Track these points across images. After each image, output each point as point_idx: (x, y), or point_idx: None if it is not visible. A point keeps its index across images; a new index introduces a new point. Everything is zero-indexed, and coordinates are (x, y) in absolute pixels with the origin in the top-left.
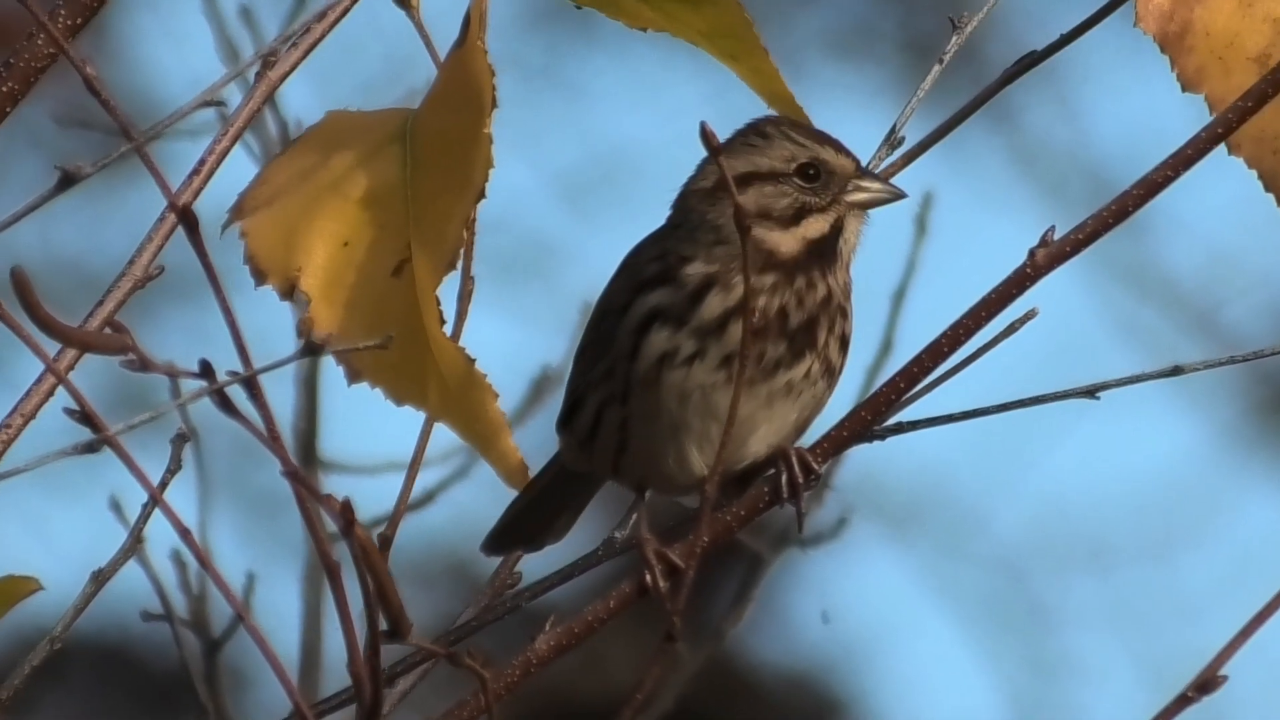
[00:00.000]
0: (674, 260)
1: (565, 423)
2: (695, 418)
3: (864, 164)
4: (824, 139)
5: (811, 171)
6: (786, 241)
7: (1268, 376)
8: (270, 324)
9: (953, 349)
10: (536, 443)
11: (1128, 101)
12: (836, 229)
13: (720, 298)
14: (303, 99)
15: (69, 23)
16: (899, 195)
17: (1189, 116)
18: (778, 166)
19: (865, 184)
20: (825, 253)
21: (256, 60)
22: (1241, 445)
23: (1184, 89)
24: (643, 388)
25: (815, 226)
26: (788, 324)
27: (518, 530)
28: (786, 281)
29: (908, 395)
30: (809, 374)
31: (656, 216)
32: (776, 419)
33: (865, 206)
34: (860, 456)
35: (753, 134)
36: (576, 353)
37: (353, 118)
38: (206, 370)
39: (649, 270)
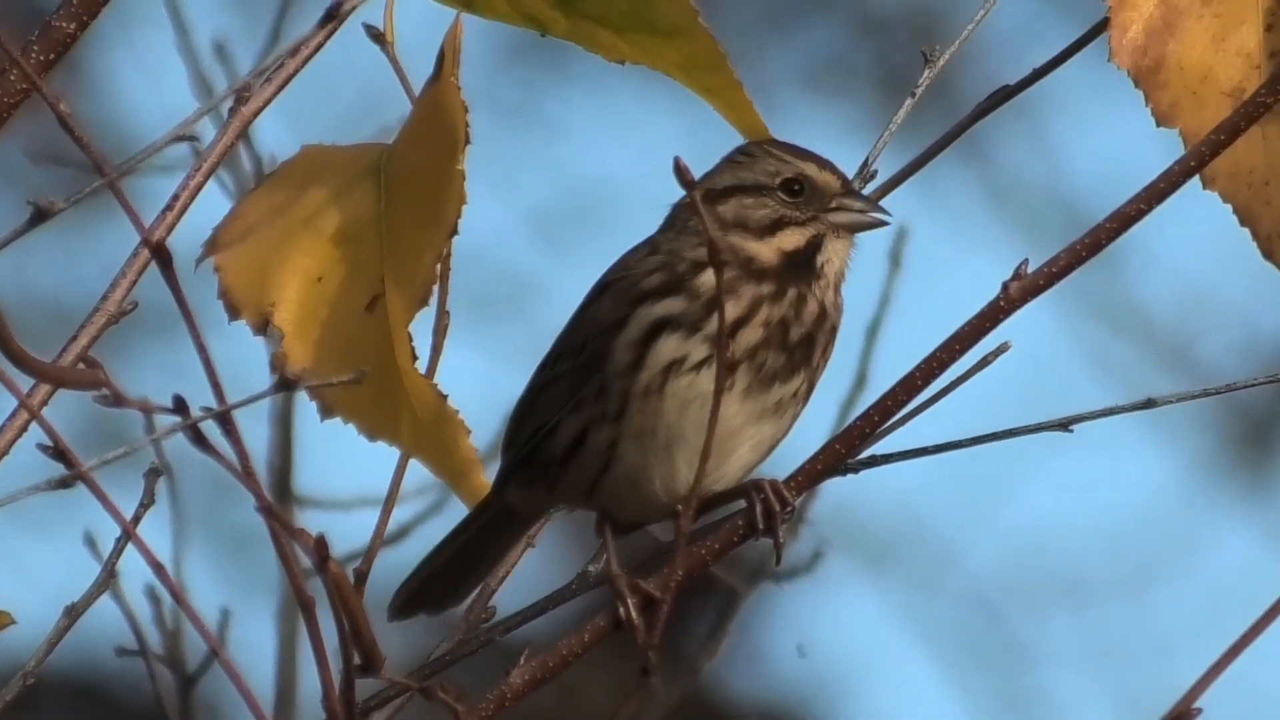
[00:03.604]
0: (684, 270)
1: (523, 459)
2: (691, 430)
3: (851, 184)
4: (808, 156)
5: (796, 187)
6: (763, 251)
7: (1241, 409)
8: (244, 359)
9: (926, 382)
10: None
11: (1101, 136)
12: (814, 244)
13: (731, 307)
14: (276, 134)
15: (42, 58)
16: (879, 221)
17: (1163, 151)
18: (761, 180)
19: (848, 203)
20: (802, 266)
21: (230, 95)
22: (1215, 478)
23: (1158, 124)
24: (643, 398)
25: (791, 239)
26: (788, 336)
27: (429, 590)
28: (781, 293)
29: (882, 428)
30: (797, 393)
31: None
32: (759, 437)
33: (846, 228)
34: (835, 490)
35: (739, 153)
36: (538, 388)
37: (327, 153)
38: (180, 406)
39: (650, 282)
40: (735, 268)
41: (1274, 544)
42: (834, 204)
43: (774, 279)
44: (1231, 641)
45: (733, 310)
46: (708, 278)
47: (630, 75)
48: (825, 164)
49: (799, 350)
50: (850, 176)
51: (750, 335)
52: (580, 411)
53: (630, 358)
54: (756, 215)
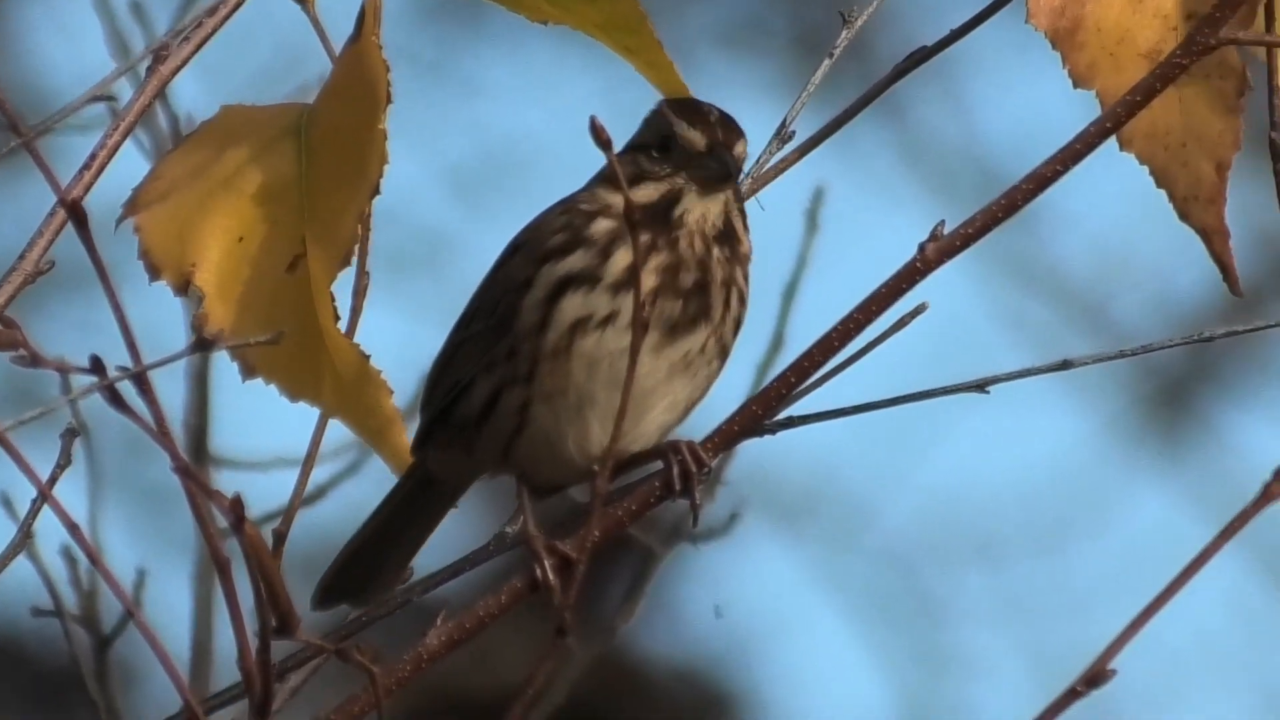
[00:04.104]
0: (580, 223)
1: (441, 415)
2: (602, 389)
3: (733, 147)
4: (687, 115)
5: (666, 145)
6: (617, 201)
7: (1156, 370)
8: (162, 319)
9: (843, 343)
10: None
11: (1018, 97)
12: (669, 199)
13: (626, 252)
14: (195, 94)
15: None
16: (720, 181)
17: (1080, 112)
18: (646, 139)
19: (701, 163)
20: (657, 218)
21: (148, 54)
22: (1130, 439)
23: (1075, 85)
24: (552, 359)
25: (644, 193)
26: (678, 282)
27: (353, 572)
28: (668, 245)
29: (798, 389)
30: (705, 348)
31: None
32: (673, 394)
33: (696, 185)
34: (751, 451)
35: (650, 112)
36: (453, 348)
37: (247, 112)
38: (97, 366)
39: (555, 241)
40: (615, 219)
41: (1188, 504)
42: (694, 162)
43: (649, 230)
44: (1146, 602)
45: (625, 257)
46: (600, 224)
47: (550, 34)
48: (699, 123)
49: (693, 298)
50: (769, 137)
51: (647, 281)
52: (493, 372)
53: (537, 317)
54: (627, 172)
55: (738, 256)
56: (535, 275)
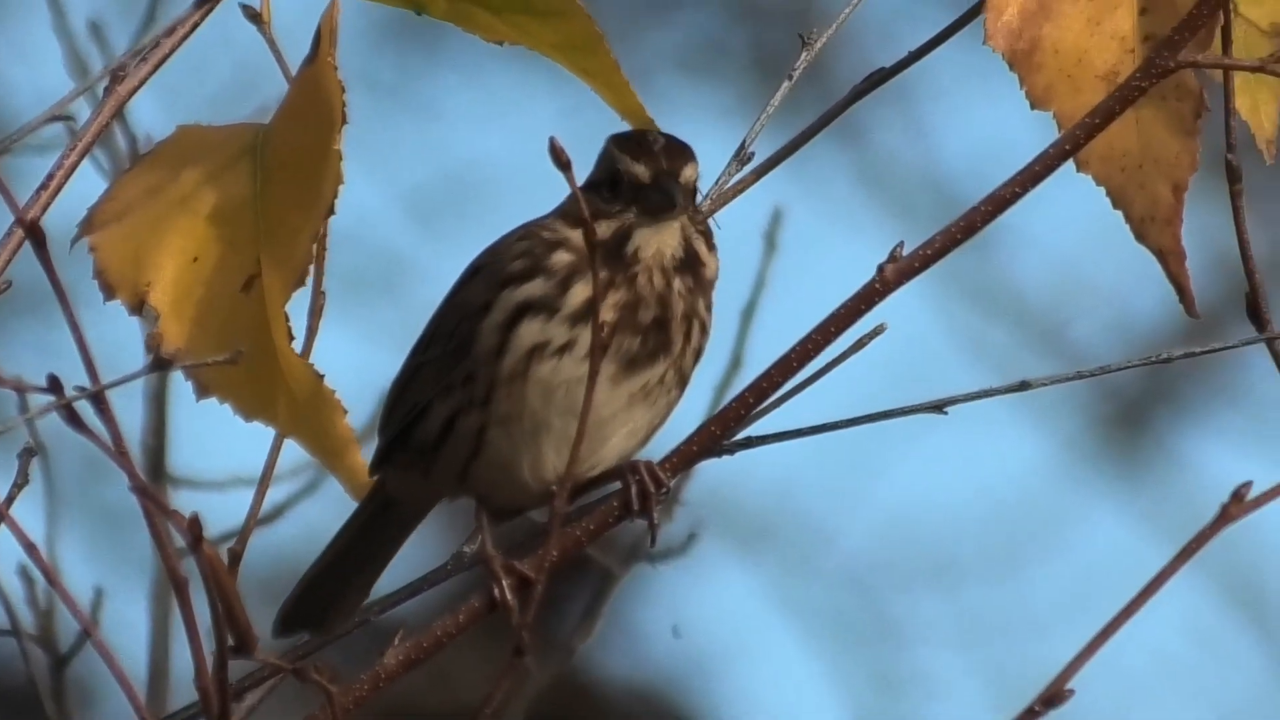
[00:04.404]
0: (540, 251)
1: (399, 439)
2: (557, 416)
3: (678, 175)
4: (633, 148)
5: (616, 181)
6: (575, 238)
7: (1114, 392)
8: (119, 339)
9: (802, 364)
10: None
11: (976, 119)
12: (620, 235)
13: (584, 286)
14: (152, 114)
15: None
16: (659, 214)
17: (1038, 134)
18: (599, 176)
19: (646, 195)
20: (612, 255)
21: (105, 74)
22: (1088, 460)
23: (1033, 106)
24: (508, 384)
25: (600, 230)
26: (637, 318)
27: (314, 600)
28: (627, 282)
29: (757, 410)
30: (664, 380)
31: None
32: (633, 422)
33: (650, 219)
34: (710, 471)
35: (602, 149)
36: (411, 370)
37: (203, 133)
38: (54, 385)
39: (514, 266)
40: (574, 252)
41: (1146, 525)
42: (640, 195)
43: (607, 267)
44: (1104, 623)
45: (583, 291)
46: (560, 255)
47: (508, 56)
48: (643, 155)
49: (652, 334)
50: (728, 158)
51: (604, 316)
52: (450, 396)
53: (495, 342)
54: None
55: (702, 283)
56: (494, 299)
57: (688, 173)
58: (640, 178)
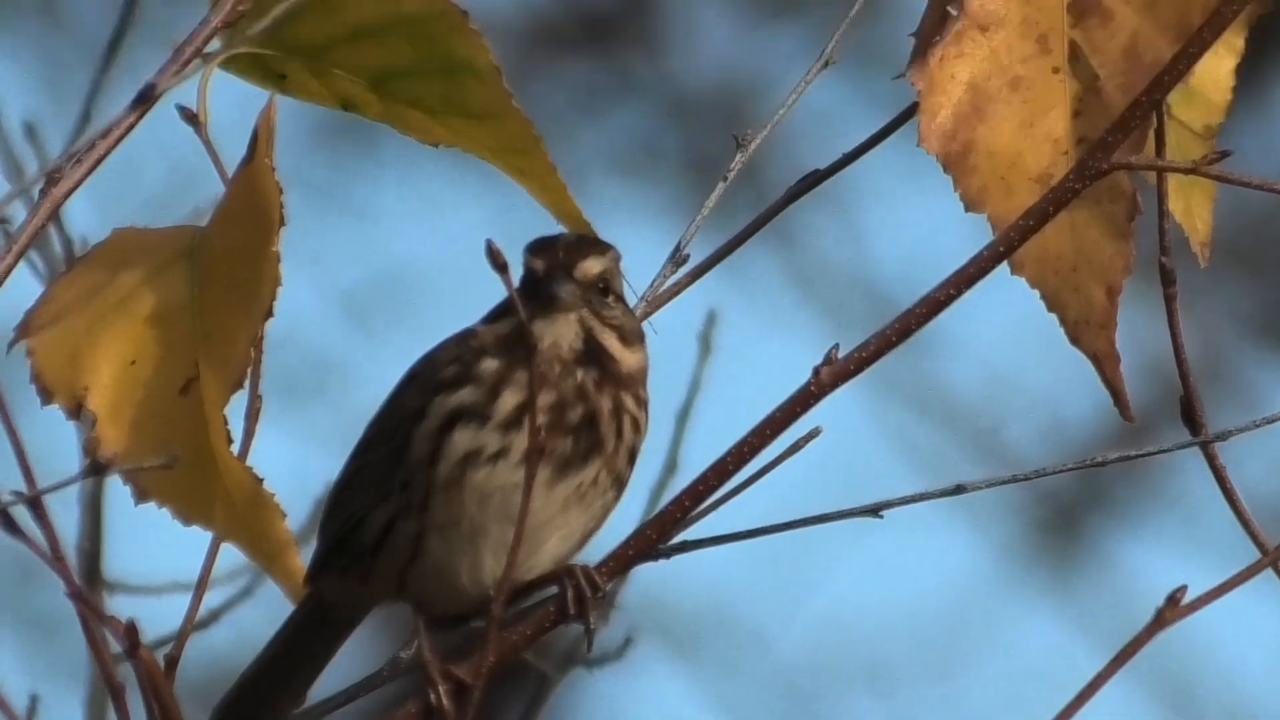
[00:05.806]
0: (469, 358)
1: (336, 548)
2: (494, 523)
3: (572, 269)
4: (538, 246)
5: (524, 279)
6: (486, 336)
7: (1048, 495)
8: (56, 443)
9: (737, 467)
10: None
11: (910, 221)
12: (517, 329)
13: (512, 393)
14: (88, 216)
15: None
16: (549, 306)
17: (972, 236)
18: (521, 278)
19: (536, 289)
20: (512, 348)
21: (41, 177)
22: (1022, 564)
23: (967, 209)
24: (444, 491)
25: (499, 327)
26: (565, 418)
27: (248, 702)
28: (554, 382)
29: (693, 513)
30: (598, 480)
31: (443, 334)
32: (568, 526)
33: (540, 313)
34: (646, 575)
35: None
36: (350, 474)
37: (139, 235)
38: None
39: (447, 373)
40: (498, 357)
41: (1081, 630)
42: (533, 290)
43: (510, 361)
44: None
45: (512, 397)
46: (488, 363)
47: (443, 157)
48: (543, 252)
49: (584, 433)
50: (663, 260)
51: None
52: (388, 502)
53: (429, 449)
54: (498, 310)
55: (617, 378)
56: (428, 406)
57: (586, 266)
58: (537, 272)
